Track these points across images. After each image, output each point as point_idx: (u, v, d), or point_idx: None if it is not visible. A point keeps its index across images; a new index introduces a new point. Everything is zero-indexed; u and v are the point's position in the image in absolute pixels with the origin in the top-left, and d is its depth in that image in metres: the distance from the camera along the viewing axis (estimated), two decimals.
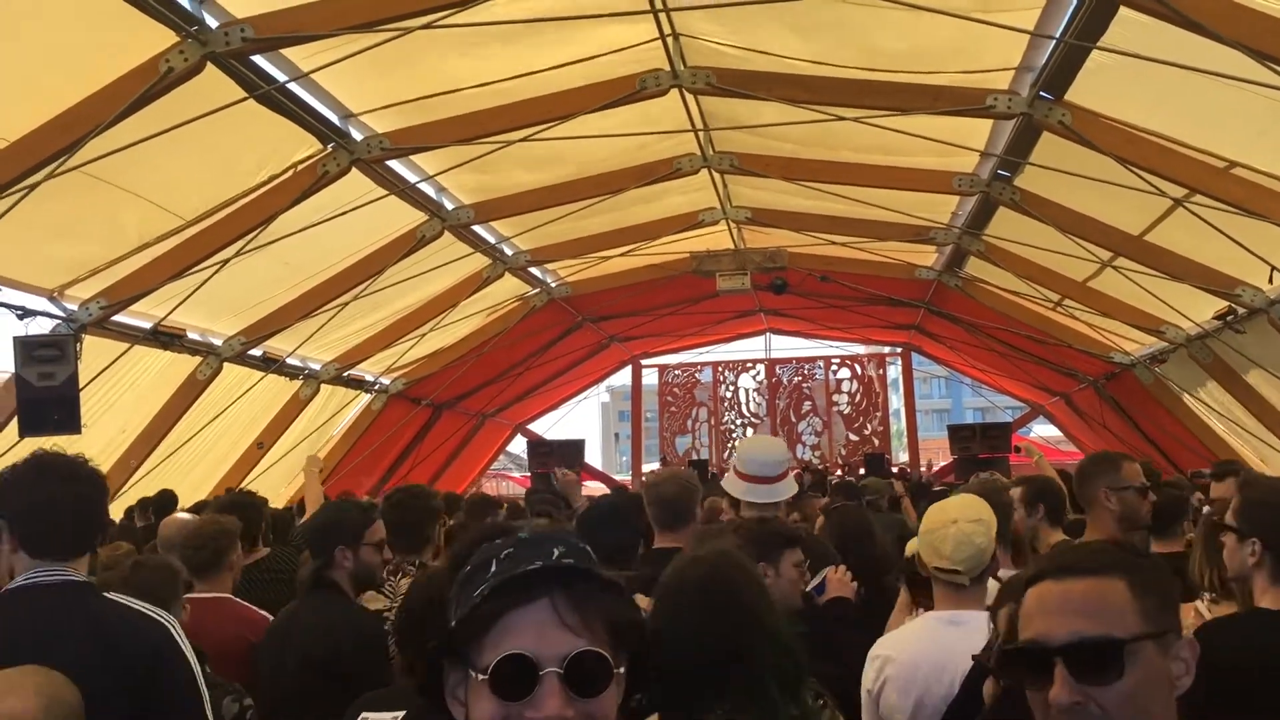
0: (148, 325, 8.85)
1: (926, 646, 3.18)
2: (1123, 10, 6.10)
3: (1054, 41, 6.94)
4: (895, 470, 17.22)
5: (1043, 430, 20.92)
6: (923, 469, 19.47)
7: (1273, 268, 7.88)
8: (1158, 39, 6.01)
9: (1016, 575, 3.24)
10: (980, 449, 16.20)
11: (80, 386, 7.74)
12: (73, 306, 8.17)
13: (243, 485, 10.04)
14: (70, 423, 7.45)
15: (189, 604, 3.96)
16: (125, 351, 8.74)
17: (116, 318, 8.40)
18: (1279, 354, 9.18)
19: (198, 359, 9.78)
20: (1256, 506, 2.90)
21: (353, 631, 3.83)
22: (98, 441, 9.02)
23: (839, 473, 18.03)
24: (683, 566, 2.62)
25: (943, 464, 19.85)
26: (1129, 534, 3.94)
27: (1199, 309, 9.76)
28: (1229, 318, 9.36)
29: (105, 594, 2.94)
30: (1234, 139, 7.12)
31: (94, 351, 8.30)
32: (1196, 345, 10.56)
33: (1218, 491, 6.16)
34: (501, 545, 1.42)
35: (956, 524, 3.17)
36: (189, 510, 6.43)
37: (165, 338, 8.99)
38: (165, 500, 8.44)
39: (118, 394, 9.08)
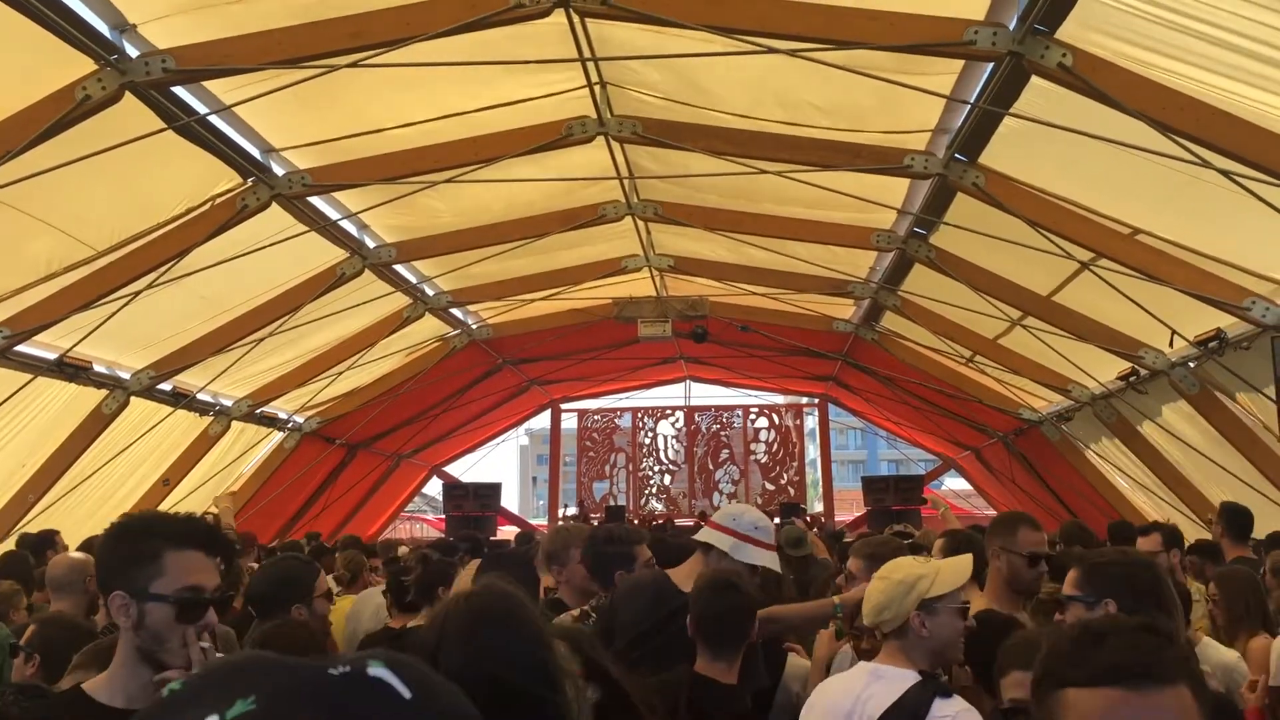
0: (53, 356, 8.59)
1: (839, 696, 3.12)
2: (1034, 79, 6.30)
3: (969, 106, 7.14)
4: (808, 519, 17.35)
5: (954, 484, 21.29)
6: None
7: (1174, 331, 8.12)
8: (1068, 108, 6.22)
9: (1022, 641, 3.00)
10: (893, 501, 16.44)
11: None
12: None
13: None
14: None
15: None
16: (28, 383, 8.45)
17: (20, 348, 8.11)
18: (1178, 415, 9.48)
19: (104, 392, 9.50)
20: None
21: None
22: None
23: None
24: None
25: (856, 514, 20.05)
26: (1018, 598, 3.88)
27: (1104, 369, 10.02)
28: (1132, 379, 9.63)
29: None
30: (1139, 206, 7.34)
31: None
32: (1101, 404, 10.85)
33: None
34: None
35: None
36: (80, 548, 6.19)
37: (71, 370, 8.71)
38: (44, 540, 7.29)
39: (19, 426, 8.77)
